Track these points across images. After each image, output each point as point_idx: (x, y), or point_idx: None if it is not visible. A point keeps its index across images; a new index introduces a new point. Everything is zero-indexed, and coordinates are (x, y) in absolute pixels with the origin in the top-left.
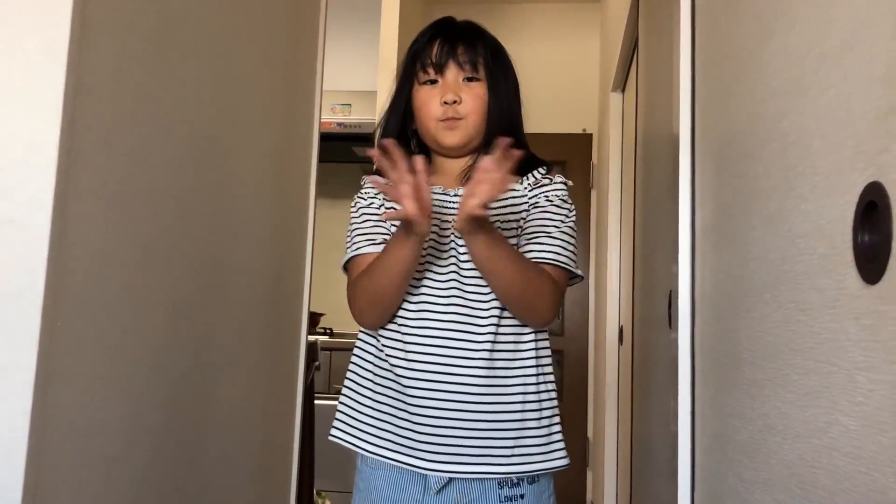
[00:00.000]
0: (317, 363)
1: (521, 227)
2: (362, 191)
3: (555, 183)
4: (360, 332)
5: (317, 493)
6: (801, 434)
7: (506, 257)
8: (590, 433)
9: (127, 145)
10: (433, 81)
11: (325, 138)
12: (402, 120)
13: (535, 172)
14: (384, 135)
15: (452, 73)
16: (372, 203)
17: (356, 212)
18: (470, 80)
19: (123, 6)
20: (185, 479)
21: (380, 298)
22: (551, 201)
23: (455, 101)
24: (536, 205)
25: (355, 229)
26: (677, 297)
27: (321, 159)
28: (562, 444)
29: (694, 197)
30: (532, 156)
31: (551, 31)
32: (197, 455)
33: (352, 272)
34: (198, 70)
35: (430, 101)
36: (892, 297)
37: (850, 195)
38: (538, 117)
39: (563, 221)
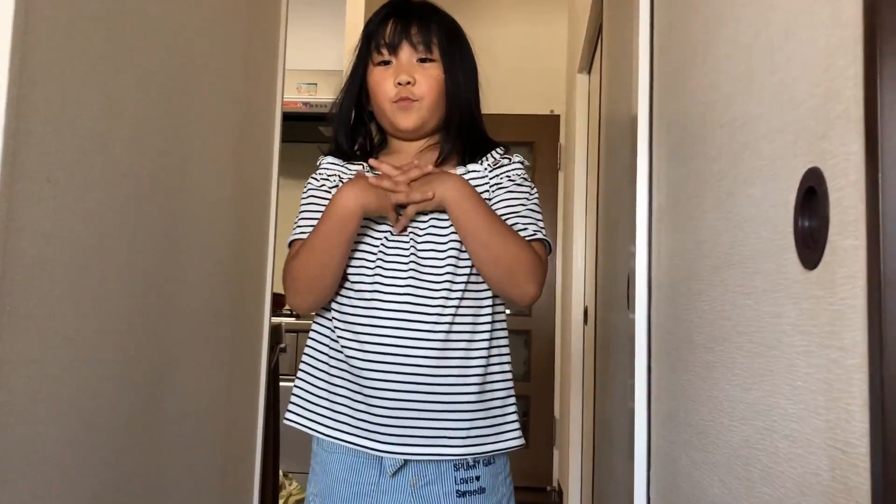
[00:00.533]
0: (282, 345)
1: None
2: (317, 171)
3: (514, 163)
4: (316, 315)
5: (283, 475)
6: (745, 416)
7: (486, 229)
8: (556, 412)
9: (78, 126)
10: (387, 62)
11: (291, 118)
12: (357, 101)
13: (493, 153)
14: (339, 117)
15: (406, 53)
16: (323, 185)
17: (306, 194)
18: (424, 60)
19: None
20: (146, 463)
21: (320, 277)
22: (513, 181)
23: (409, 83)
24: (500, 185)
25: (303, 211)
26: (635, 279)
27: (287, 139)
28: (517, 425)
29: (651, 180)
30: (489, 139)
31: (520, 13)
32: (158, 438)
33: (294, 253)
34: (151, 47)
35: (383, 83)
36: (828, 282)
37: (792, 180)
38: (506, 98)
39: (528, 199)
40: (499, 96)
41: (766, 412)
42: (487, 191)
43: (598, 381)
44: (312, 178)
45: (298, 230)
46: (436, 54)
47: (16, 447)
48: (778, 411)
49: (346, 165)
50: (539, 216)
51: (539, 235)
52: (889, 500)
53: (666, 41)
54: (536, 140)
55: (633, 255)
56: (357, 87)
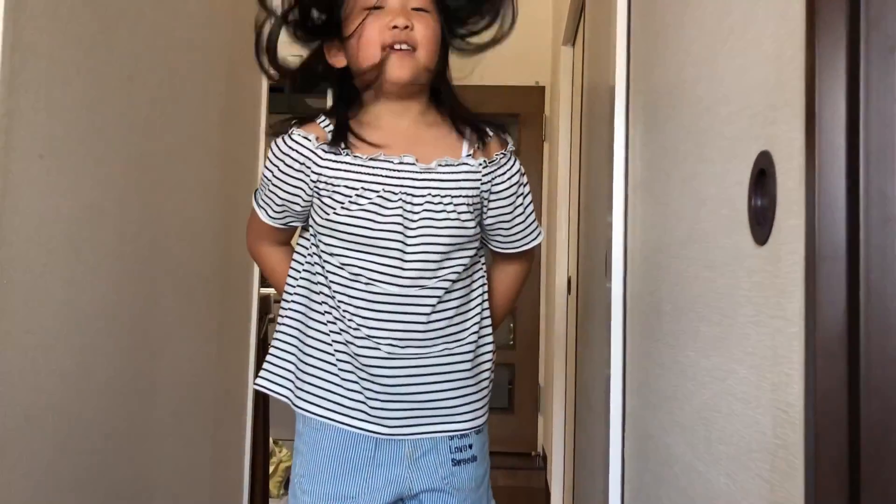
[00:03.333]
0: (271, 316)
1: (479, 201)
2: (285, 151)
3: (507, 164)
4: (298, 294)
5: (273, 442)
6: (706, 381)
7: (512, 298)
8: (541, 380)
9: (68, 105)
10: (377, 7)
11: (278, 90)
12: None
13: (483, 139)
14: (310, 69)
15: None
16: (292, 167)
17: (271, 172)
18: (418, 10)
19: None
20: (138, 431)
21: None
22: (514, 182)
23: (407, 27)
24: (498, 191)
25: (269, 189)
26: (611, 250)
27: (274, 111)
28: (491, 392)
29: (627, 154)
30: (475, 120)
31: None
32: (148, 408)
33: (252, 216)
34: (139, 25)
35: (372, 28)
36: (775, 258)
37: (747, 162)
38: (492, 70)
39: (525, 197)
40: (484, 68)
41: (724, 377)
42: (481, 183)
43: (579, 348)
44: (276, 157)
45: (262, 205)
46: (428, 4)
47: (14, 414)
48: (733, 376)
49: (319, 151)
50: (531, 210)
51: (537, 240)
52: (819, 453)
53: (642, 18)
54: (522, 111)
55: (610, 226)
56: (330, 32)
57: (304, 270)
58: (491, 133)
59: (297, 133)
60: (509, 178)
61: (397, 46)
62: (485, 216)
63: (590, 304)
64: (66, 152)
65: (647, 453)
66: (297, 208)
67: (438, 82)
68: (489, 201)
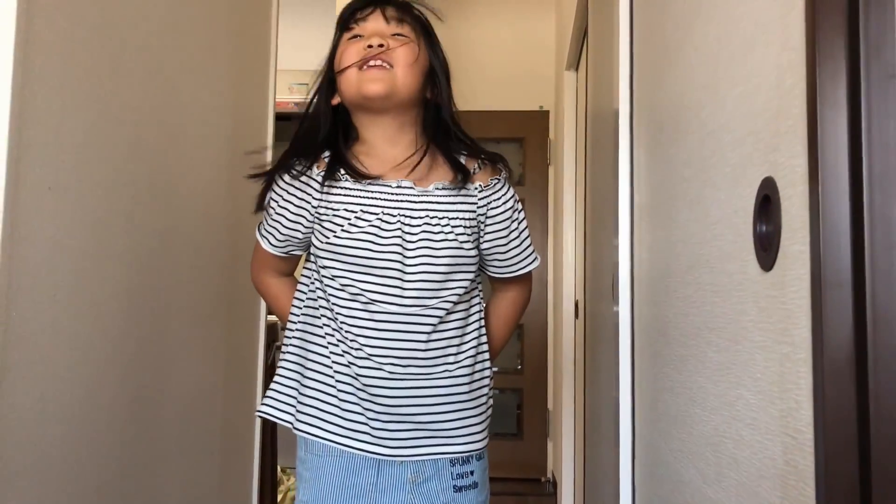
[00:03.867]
0: (278, 343)
1: (476, 224)
2: (288, 181)
3: (503, 190)
4: (300, 321)
5: (281, 471)
6: (715, 406)
7: (511, 326)
8: (550, 404)
9: (76, 134)
10: (358, 36)
11: (284, 118)
12: (326, 91)
13: (479, 163)
14: (314, 111)
15: (380, 25)
16: (293, 197)
17: (276, 202)
18: (398, 35)
19: None
20: (147, 459)
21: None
22: (509, 207)
23: (381, 45)
24: (493, 215)
25: (272, 218)
26: (618, 274)
27: (279, 139)
28: (490, 417)
29: (632, 177)
30: (466, 135)
31: (509, 11)
32: (157, 437)
33: (256, 248)
34: (145, 55)
35: (350, 51)
36: (781, 283)
37: (752, 187)
38: (496, 95)
39: (519, 222)
40: (489, 93)
41: (732, 403)
42: (477, 207)
43: (587, 372)
44: (279, 188)
45: (265, 236)
46: (409, 32)
47: (24, 447)
48: (741, 402)
49: (318, 178)
50: (527, 235)
51: (531, 266)
52: (829, 480)
53: (645, 44)
54: (526, 135)
55: (617, 251)
56: (324, 76)
57: (307, 297)
58: (485, 161)
59: (299, 164)
60: (504, 203)
61: (371, 63)
62: (481, 241)
63: (598, 328)
64: (74, 183)
65: (658, 479)
66: (300, 236)
67: (431, 111)
68: (485, 225)
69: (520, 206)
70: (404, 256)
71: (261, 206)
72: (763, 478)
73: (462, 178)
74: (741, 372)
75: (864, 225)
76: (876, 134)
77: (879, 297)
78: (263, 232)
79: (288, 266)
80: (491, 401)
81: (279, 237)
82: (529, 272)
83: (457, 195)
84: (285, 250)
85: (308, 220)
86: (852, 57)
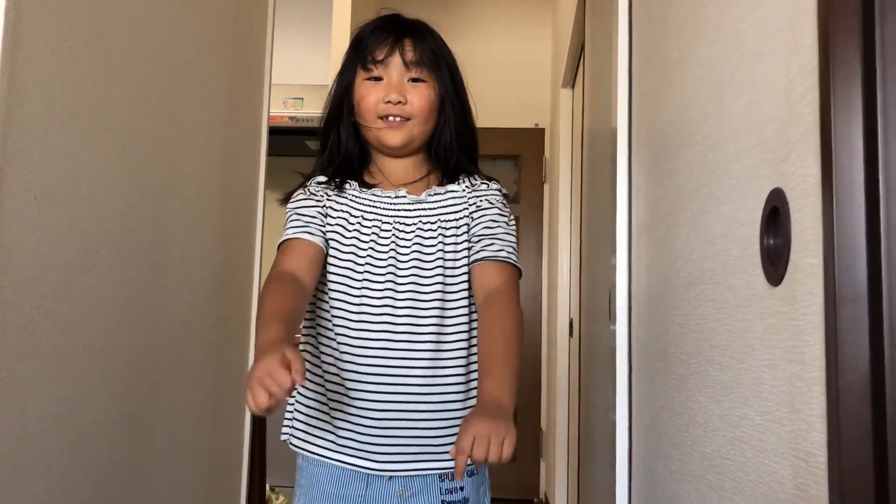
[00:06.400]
0: None
1: (465, 224)
2: (311, 189)
3: (491, 189)
4: (303, 334)
5: (270, 489)
6: (718, 427)
7: (516, 361)
8: (543, 424)
9: (64, 143)
10: (377, 78)
11: (278, 132)
12: (343, 112)
13: (470, 179)
14: (326, 128)
15: (398, 71)
16: (314, 196)
17: (295, 200)
18: (416, 80)
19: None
20: (132, 478)
21: None
22: (493, 205)
23: (400, 102)
24: (479, 207)
25: (295, 209)
26: (616, 292)
27: (273, 153)
28: None
29: (630, 195)
30: (475, 162)
31: (505, 27)
32: (144, 452)
33: (280, 253)
34: (138, 63)
35: (370, 97)
36: (791, 298)
37: (758, 200)
38: (492, 113)
39: (507, 223)
40: (485, 111)
41: (737, 423)
42: (466, 208)
43: (582, 392)
44: (303, 191)
45: (291, 230)
46: (427, 74)
47: (3, 465)
48: (747, 422)
49: (328, 189)
50: (513, 241)
51: (512, 259)
52: None
53: (644, 60)
54: (522, 153)
55: (614, 269)
56: (344, 98)
57: (308, 315)
58: (481, 179)
59: (315, 179)
60: (491, 202)
61: (391, 118)
62: (469, 232)
63: (593, 347)
64: (61, 193)
65: (656, 501)
66: (320, 221)
67: (448, 136)
68: (473, 219)
69: (511, 220)
70: (397, 269)
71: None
72: (771, 502)
73: (447, 181)
74: (746, 391)
75: (880, 236)
76: (893, 141)
77: None
78: (287, 228)
79: (307, 264)
80: None
81: (303, 220)
82: (512, 269)
83: (446, 196)
84: (308, 230)
85: (324, 215)
86: (868, 62)
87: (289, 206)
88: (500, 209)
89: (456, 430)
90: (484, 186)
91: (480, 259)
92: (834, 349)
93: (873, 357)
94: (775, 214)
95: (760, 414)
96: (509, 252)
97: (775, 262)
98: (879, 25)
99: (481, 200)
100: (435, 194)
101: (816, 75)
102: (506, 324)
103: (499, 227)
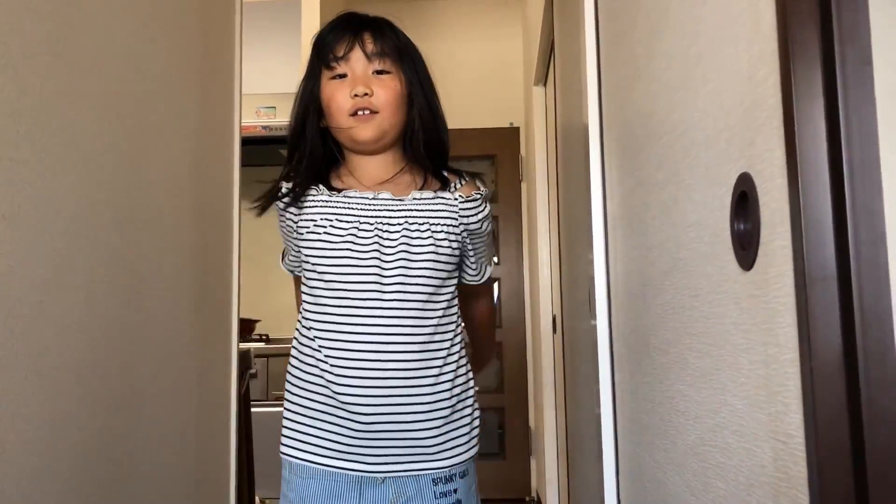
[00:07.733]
0: (252, 371)
1: (460, 233)
2: (280, 207)
3: (484, 206)
4: (293, 344)
5: (260, 502)
6: (699, 415)
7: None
8: (532, 422)
9: (31, 161)
10: (341, 76)
11: (251, 142)
12: (312, 118)
13: (459, 181)
14: (293, 136)
15: (361, 65)
16: (283, 222)
17: (281, 230)
18: (380, 73)
19: (17, 8)
20: (116, 498)
21: None
22: (482, 230)
23: (366, 94)
24: (470, 229)
25: (283, 236)
26: (594, 287)
27: (248, 163)
28: (479, 430)
29: (604, 188)
30: (446, 153)
31: (476, 27)
32: (128, 471)
33: (294, 283)
34: (106, 81)
35: (338, 96)
36: (764, 282)
37: (727, 186)
38: (467, 113)
39: (489, 236)
40: (459, 111)
41: (717, 410)
42: (455, 218)
43: (568, 388)
44: (278, 215)
45: (289, 265)
46: (390, 65)
47: None
48: (727, 408)
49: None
50: (492, 248)
51: (492, 278)
52: (823, 486)
53: (612, 54)
54: (498, 153)
55: (592, 263)
56: (310, 103)
57: (297, 326)
58: (466, 178)
59: (283, 187)
60: (483, 218)
61: (360, 112)
62: (461, 245)
63: (576, 343)
64: (32, 212)
65: (643, 493)
66: (297, 253)
67: (412, 135)
68: (467, 236)
69: (490, 227)
70: (382, 269)
71: (263, 209)
72: (753, 486)
73: (456, 186)
74: (724, 377)
75: (846, 216)
76: (854, 121)
77: (866, 290)
78: (291, 264)
79: None
80: (477, 412)
81: (292, 254)
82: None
83: (437, 203)
84: (298, 265)
85: (295, 248)
86: (826, 43)
87: (278, 225)
88: (488, 232)
89: (447, 429)
90: (475, 195)
91: (469, 282)
92: (806, 329)
93: (845, 335)
94: (744, 199)
95: (739, 399)
96: (488, 273)
97: (746, 247)
98: (836, 5)
99: (480, 222)
100: (422, 198)
101: (776, 58)
102: (481, 311)
103: (484, 246)
